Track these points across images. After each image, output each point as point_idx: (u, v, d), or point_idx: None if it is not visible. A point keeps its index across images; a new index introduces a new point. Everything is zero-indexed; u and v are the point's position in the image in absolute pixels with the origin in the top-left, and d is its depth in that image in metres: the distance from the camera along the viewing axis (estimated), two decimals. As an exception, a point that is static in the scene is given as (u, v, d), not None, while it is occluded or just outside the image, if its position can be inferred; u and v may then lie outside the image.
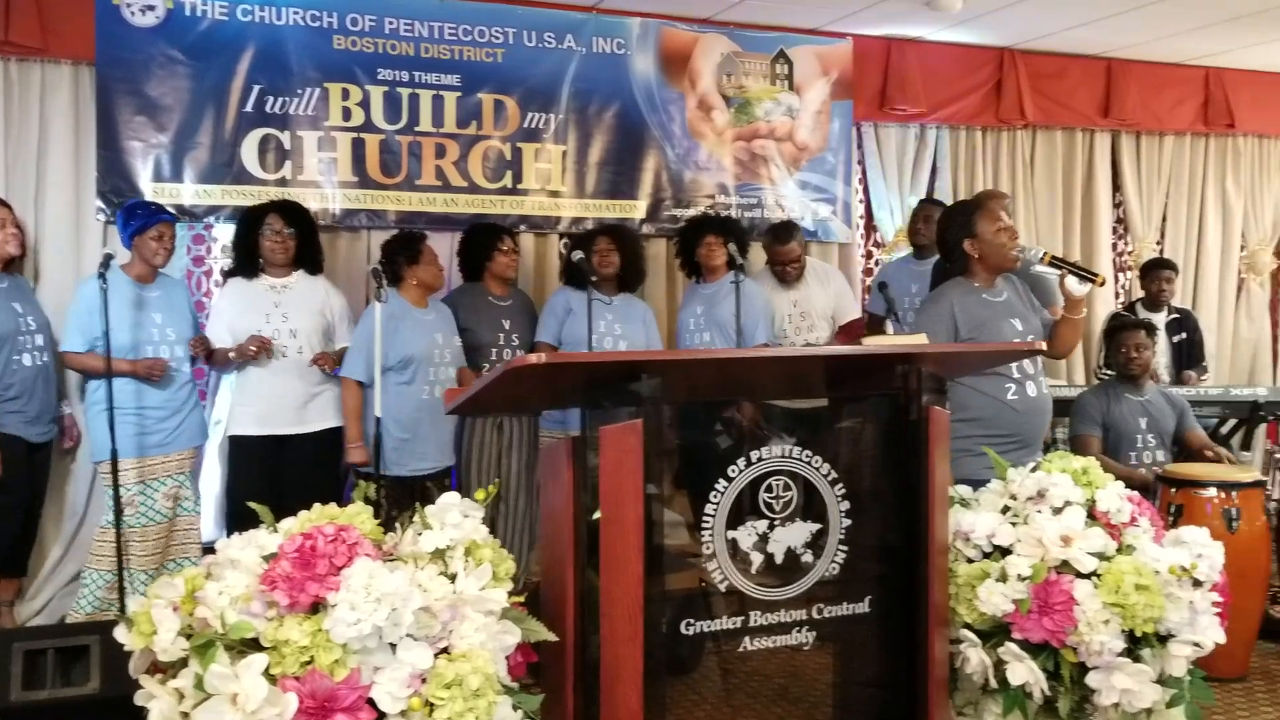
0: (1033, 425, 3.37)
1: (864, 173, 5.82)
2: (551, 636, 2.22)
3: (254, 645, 1.97)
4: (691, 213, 5.19)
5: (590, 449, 2.28)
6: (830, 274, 5.00)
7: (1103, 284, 3.36)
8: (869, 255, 5.84)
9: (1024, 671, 2.55)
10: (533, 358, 2.13)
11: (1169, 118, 6.38)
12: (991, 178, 5.99)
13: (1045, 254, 3.46)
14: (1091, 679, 2.55)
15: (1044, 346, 3.09)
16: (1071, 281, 3.33)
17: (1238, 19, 5.44)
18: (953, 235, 3.49)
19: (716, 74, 5.41)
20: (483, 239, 4.55)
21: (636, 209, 5.26)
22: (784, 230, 4.81)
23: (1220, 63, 6.34)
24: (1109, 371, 4.79)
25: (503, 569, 2.21)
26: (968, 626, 2.65)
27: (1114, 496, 2.66)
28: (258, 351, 3.95)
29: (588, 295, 4.17)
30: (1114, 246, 6.37)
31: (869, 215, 5.86)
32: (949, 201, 5.47)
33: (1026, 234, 6.08)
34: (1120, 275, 6.40)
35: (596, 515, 2.23)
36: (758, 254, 5.04)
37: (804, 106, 5.57)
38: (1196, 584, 2.66)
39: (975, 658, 2.61)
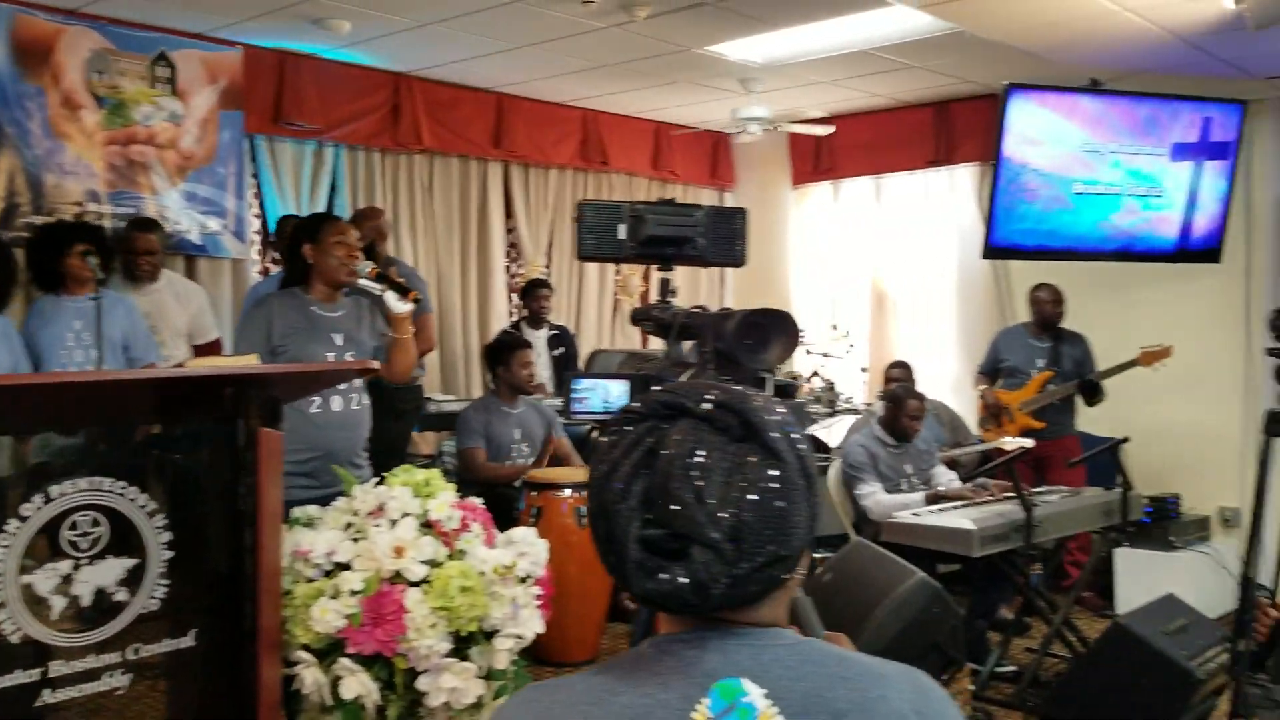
0: (338, 439, 3.39)
1: (259, 187, 5.67)
2: None
3: None
4: (62, 218, 4.74)
5: None
6: (192, 293, 4.81)
7: (417, 301, 3.43)
8: (265, 272, 5.69)
9: (356, 685, 2.60)
10: None
11: (554, 152, 6.99)
12: (391, 199, 6.14)
13: (371, 268, 3.48)
14: (422, 682, 2.67)
15: (375, 365, 3.10)
16: (391, 298, 3.34)
17: (602, 67, 6.11)
18: (296, 241, 3.47)
19: (85, 71, 4.95)
20: None
21: (-14, 214, 4.66)
22: (145, 222, 4.66)
23: (595, 105, 7.08)
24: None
25: None
26: (305, 647, 2.64)
27: (444, 505, 2.82)
28: None
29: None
30: (508, 269, 6.84)
31: (265, 231, 5.72)
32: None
33: (427, 256, 6.32)
34: (514, 296, 6.88)
35: None
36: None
37: (189, 113, 5.29)
38: (522, 580, 2.90)
39: (310, 677, 2.61)
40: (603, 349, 6.82)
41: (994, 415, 5.83)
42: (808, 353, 7.12)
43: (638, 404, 1.12)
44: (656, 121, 7.48)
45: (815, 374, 6.88)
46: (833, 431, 6.24)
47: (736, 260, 2.56)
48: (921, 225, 7.38)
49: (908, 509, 4.49)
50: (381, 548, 2.67)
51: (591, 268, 7.17)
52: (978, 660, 4.35)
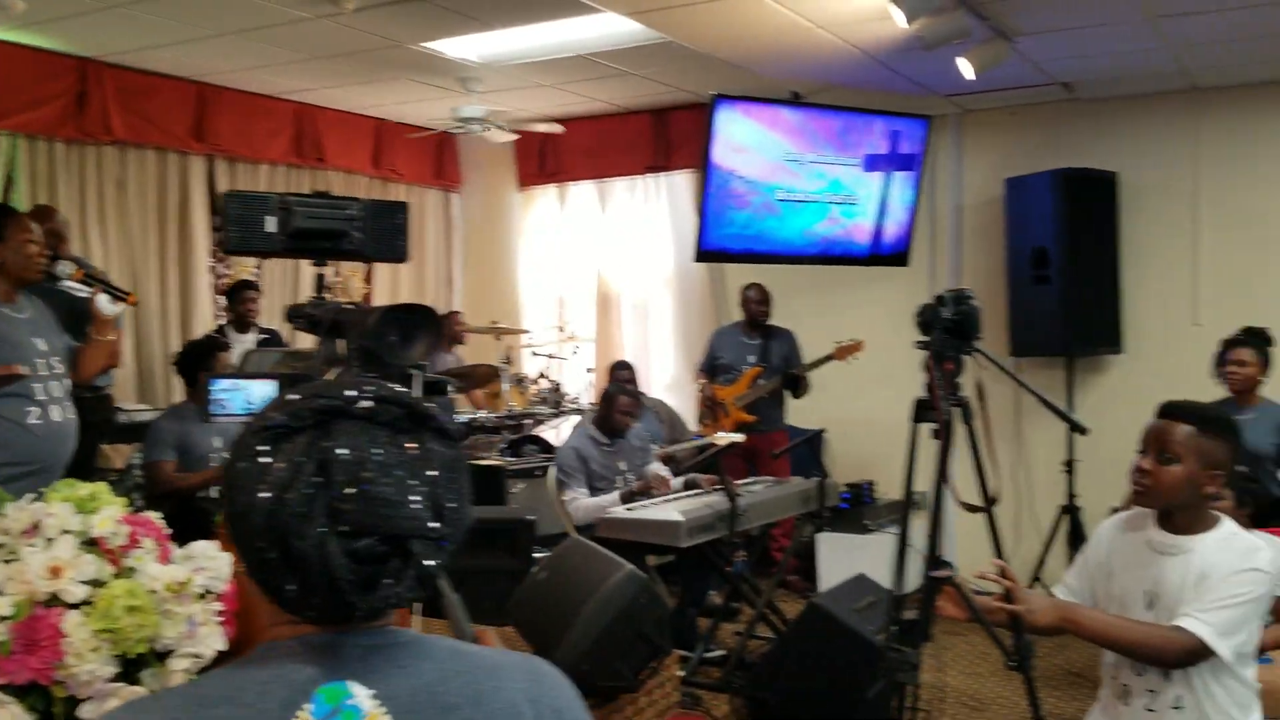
0: (53, 451, 3.21)
1: (-81, 179, 5.10)
2: None
3: None
4: None
5: None
6: None
7: (135, 303, 3.32)
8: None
9: (8, 717, 2.36)
10: None
11: (264, 147, 6.68)
12: (77, 194, 5.68)
13: (76, 269, 3.32)
14: (84, 711, 2.45)
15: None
16: (103, 300, 3.26)
17: (314, 60, 5.88)
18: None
19: None
20: None
21: None
22: None
23: (310, 100, 6.82)
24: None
25: None
26: (-57, 683, 2.37)
27: (110, 520, 2.60)
28: None
29: None
30: (213, 270, 6.47)
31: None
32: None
33: (120, 255, 5.88)
34: (220, 298, 6.51)
35: None
36: None
37: None
38: (201, 596, 2.72)
39: (-50, 716, 2.35)
40: (263, 350, 6.49)
41: (710, 410, 6.06)
42: (534, 354, 7.16)
43: (280, 417, 1.03)
44: (377, 119, 7.30)
45: (542, 375, 6.92)
46: (561, 432, 6.30)
47: (399, 256, 2.51)
48: (643, 229, 7.58)
49: (606, 508, 4.59)
50: (35, 569, 2.43)
51: (308, 270, 6.89)
52: (690, 647, 4.50)
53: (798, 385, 5.91)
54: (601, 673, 3.48)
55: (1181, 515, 2.21)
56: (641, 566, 4.49)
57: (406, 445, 1.03)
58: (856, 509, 5.97)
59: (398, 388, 1.08)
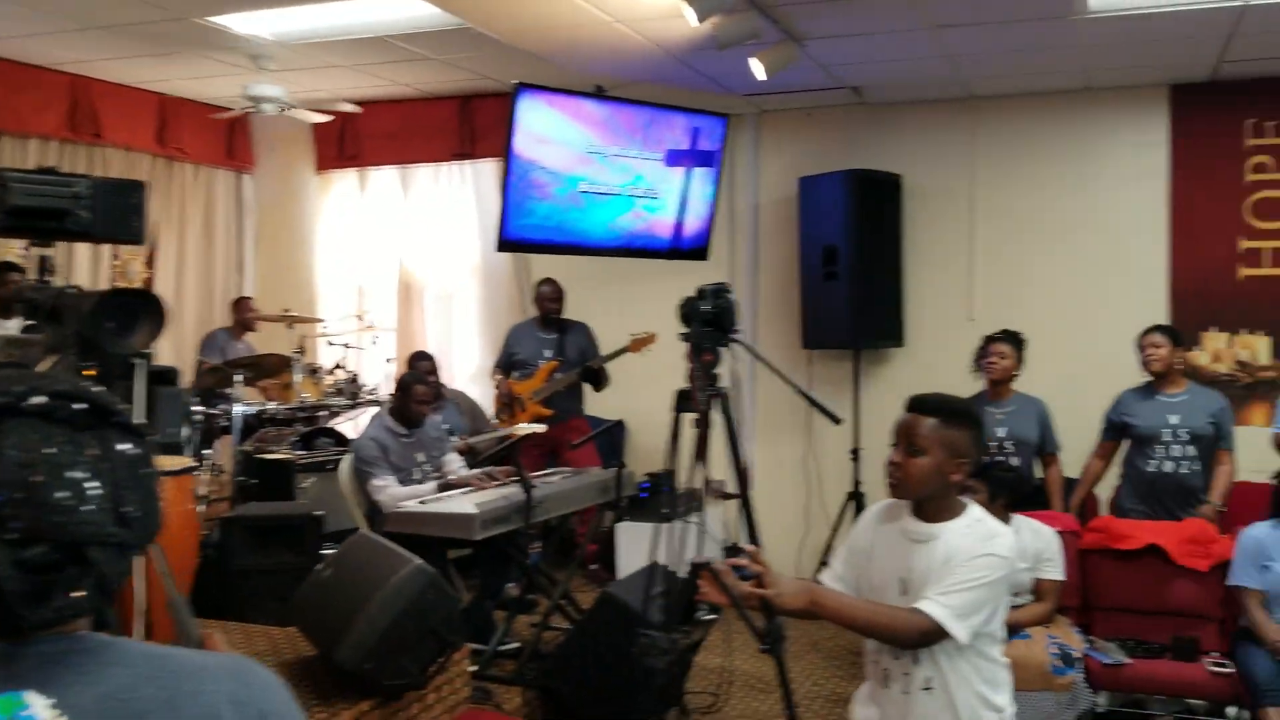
0: None
1: None
2: None
3: None
4: None
5: None
6: None
7: None
8: None
9: None
10: None
11: (34, 120, 6.22)
12: None
13: None
14: None
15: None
16: None
17: (90, 29, 5.51)
18: None
19: None
20: None
21: None
22: None
23: (87, 72, 6.39)
24: None
25: None
26: None
27: None
28: None
29: None
30: (-26, 250, 5.98)
31: None
32: None
33: None
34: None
35: None
36: None
37: None
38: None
39: None
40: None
41: (507, 405, 6.02)
42: (330, 344, 6.95)
43: None
44: (161, 94, 6.90)
45: (338, 366, 6.72)
46: (359, 424, 6.13)
47: (134, 238, 2.37)
48: (448, 217, 7.46)
49: (418, 499, 4.50)
50: None
51: (83, 249, 6.48)
52: (486, 640, 4.47)
53: (596, 378, 5.95)
54: (387, 670, 3.40)
55: (931, 504, 2.31)
56: (441, 560, 4.44)
57: (86, 445, 0.97)
58: (656, 497, 6.05)
59: (82, 382, 1.02)
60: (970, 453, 2.28)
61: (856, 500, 6.19)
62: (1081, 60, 5.58)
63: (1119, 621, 4.19)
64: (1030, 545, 3.99)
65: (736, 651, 4.57)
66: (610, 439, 6.65)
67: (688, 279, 6.83)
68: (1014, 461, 4.66)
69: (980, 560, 2.19)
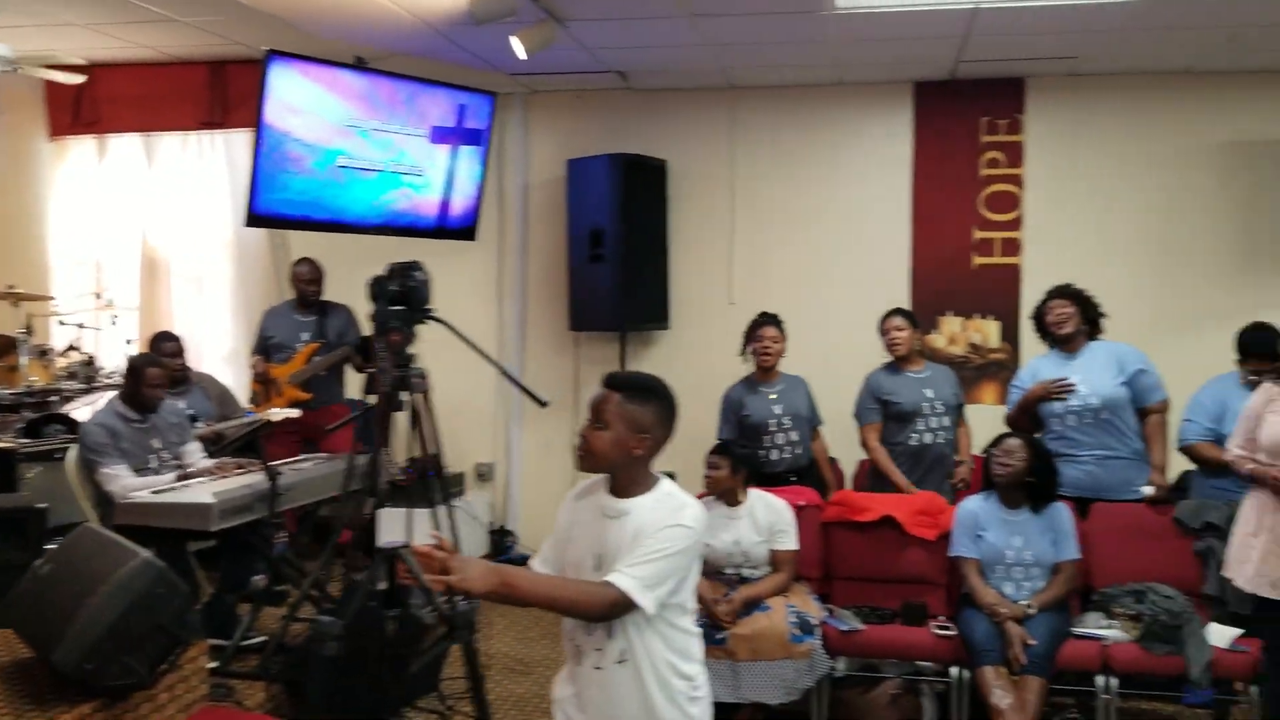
0: None
1: None
2: None
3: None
4: None
5: None
6: None
7: None
8: None
9: None
10: None
11: None
12: None
13: None
14: None
15: None
16: None
17: None
18: None
19: None
20: None
21: None
22: None
23: None
24: None
25: None
26: None
27: None
28: None
29: None
30: None
31: None
32: None
33: None
34: None
35: None
36: None
37: None
38: None
39: None
40: None
41: (264, 389, 5.75)
42: (61, 323, 6.44)
43: None
44: None
45: (72, 347, 6.23)
46: (97, 409, 5.70)
47: None
48: (197, 190, 7.04)
49: (153, 489, 4.23)
50: None
51: None
52: (228, 635, 4.25)
53: (367, 352, 5.75)
54: (110, 671, 3.18)
55: (622, 478, 2.33)
56: (179, 553, 4.19)
57: None
58: (420, 482, 5.92)
59: None
60: (653, 428, 2.30)
61: (621, 480, 6.26)
62: (833, 55, 5.82)
63: (857, 590, 4.41)
64: (764, 518, 4.14)
65: (496, 635, 4.54)
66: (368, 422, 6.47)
67: (456, 260, 6.80)
68: (793, 436, 4.82)
69: (666, 531, 2.22)
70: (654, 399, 2.33)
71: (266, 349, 5.85)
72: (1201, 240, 6.10)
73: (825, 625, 4.06)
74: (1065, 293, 4.64)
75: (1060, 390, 4.45)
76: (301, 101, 5.47)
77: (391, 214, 6.02)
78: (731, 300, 6.44)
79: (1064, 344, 4.60)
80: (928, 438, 4.76)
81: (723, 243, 6.61)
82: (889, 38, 5.47)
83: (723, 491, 4.14)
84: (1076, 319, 4.57)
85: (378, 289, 3.14)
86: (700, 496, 4.41)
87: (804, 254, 6.51)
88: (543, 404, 3.59)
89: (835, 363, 5.53)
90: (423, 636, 3.98)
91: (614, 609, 2.19)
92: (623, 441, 2.28)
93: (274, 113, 5.37)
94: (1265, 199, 5.99)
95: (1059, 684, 3.95)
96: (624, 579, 2.17)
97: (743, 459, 4.13)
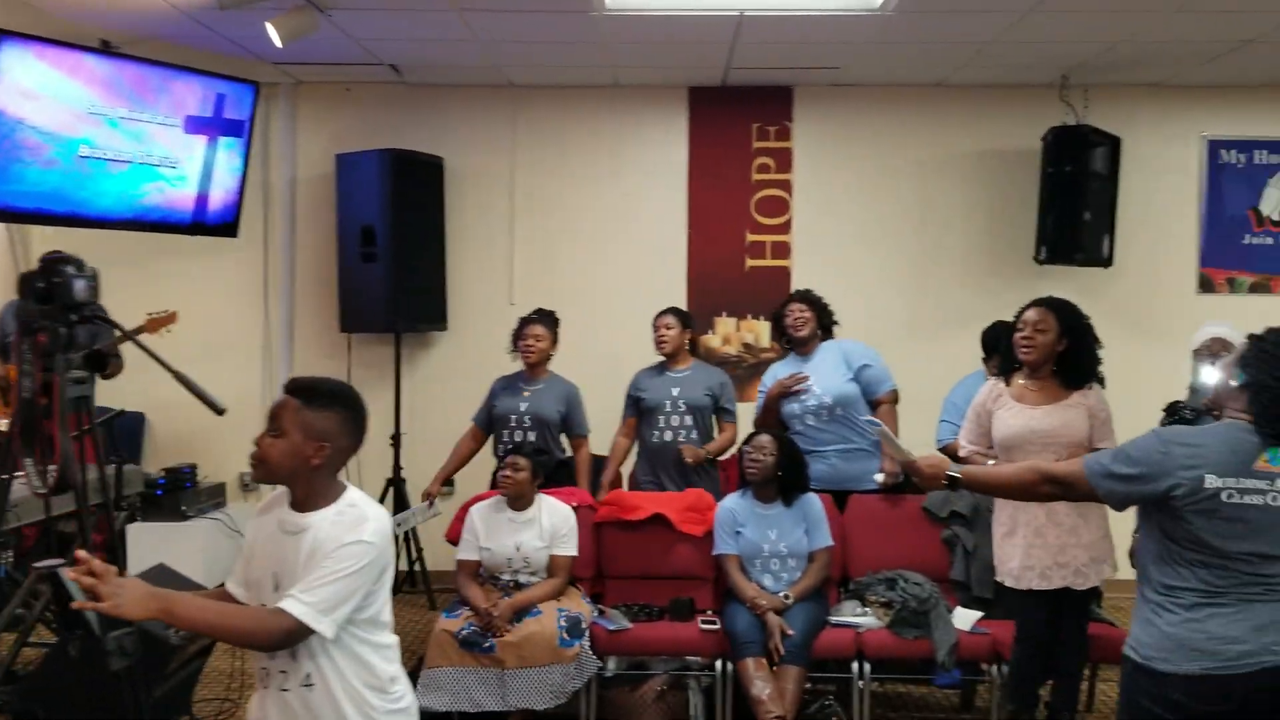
0: None
1: None
2: None
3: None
4: None
5: None
6: None
7: None
8: None
9: None
10: None
11: None
12: None
13: None
14: None
15: None
16: None
17: None
18: None
19: None
20: None
21: None
22: None
23: None
24: None
25: None
26: None
27: None
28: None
29: None
30: None
31: None
32: None
33: None
34: None
35: None
36: None
37: None
38: None
39: None
40: None
41: (3, 395, 5.27)
42: None
43: None
44: None
45: None
46: None
47: None
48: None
49: None
50: None
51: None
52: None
53: (103, 363, 5.36)
54: None
55: (301, 490, 2.20)
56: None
57: None
58: (174, 494, 5.59)
59: None
60: (334, 437, 2.18)
61: (397, 487, 6.11)
62: (608, 57, 5.85)
63: (629, 588, 4.44)
64: (549, 524, 4.12)
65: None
66: (129, 432, 6.07)
67: (216, 257, 6.45)
68: (530, 437, 4.78)
69: (345, 549, 2.10)
70: (336, 405, 2.20)
71: (4, 350, 5.36)
72: (952, 244, 6.48)
73: (594, 625, 4.06)
74: (805, 298, 4.86)
75: (795, 386, 4.63)
76: (37, 86, 5.03)
77: (143, 208, 5.63)
78: (512, 301, 6.37)
79: (799, 346, 4.79)
80: (668, 435, 4.82)
81: (503, 243, 6.54)
82: (660, 41, 5.54)
83: (517, 495, 4.11)
84: (813, 323, 4.78)
85: (24, 286, 2.87)
86: (488, 496, 4.34)
87: (585, 255, 6.52)
88: (219, 411, 3.40)
89: (614, 362, 5.56)
90: (168, 658, 3.74)
91: (289, 638, 2.06)
92: (299, 450, 2.14)
93: (7, 97, 4.93)
94: (1009, 206, 6.41)
95: (819, 672, 4.08)
96: (297, 605, 2.05)
97: (541, 464, 4.11)
